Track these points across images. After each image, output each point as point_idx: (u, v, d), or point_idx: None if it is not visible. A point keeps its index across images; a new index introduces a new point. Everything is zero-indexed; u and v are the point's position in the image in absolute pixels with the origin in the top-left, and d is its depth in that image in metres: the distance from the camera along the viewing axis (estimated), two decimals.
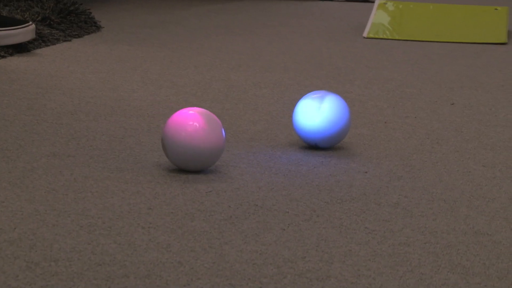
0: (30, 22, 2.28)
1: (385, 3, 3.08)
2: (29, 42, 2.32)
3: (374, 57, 2.56)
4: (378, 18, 3.03)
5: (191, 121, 1.45)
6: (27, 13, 2.48)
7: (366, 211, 1.33)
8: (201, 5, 3.39)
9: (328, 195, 1.39)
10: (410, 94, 2.05)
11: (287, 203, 1.35)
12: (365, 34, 2.92)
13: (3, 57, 2.21)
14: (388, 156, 1.62)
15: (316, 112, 1.60)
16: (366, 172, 1.52)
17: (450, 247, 1.19)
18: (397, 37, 2.89)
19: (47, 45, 2.39)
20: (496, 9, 3.01)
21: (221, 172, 1.48)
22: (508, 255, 1.17)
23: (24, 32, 2.25)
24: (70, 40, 2.48)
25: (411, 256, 1.16)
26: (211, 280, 1.04)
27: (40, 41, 2.38)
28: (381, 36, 2.91)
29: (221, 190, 1.39)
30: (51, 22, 2.52)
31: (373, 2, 3.29)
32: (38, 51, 2.33)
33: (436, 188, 1.45)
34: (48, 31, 2.46)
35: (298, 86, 2.14)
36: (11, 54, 2.25)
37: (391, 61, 2.51)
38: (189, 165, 1.45)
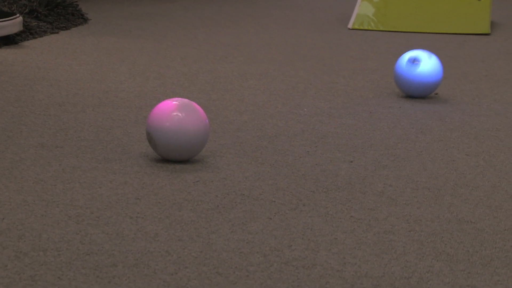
0: (18, 15, 2.27)
1: None
2: (17, 34, 2.30)
3: (359, 48, 2.56)
4: (363, 9, 3.03)
5: (174, 112, 1.45)
6: (15, 5, 2.47)
7: (351, 200, 1.33)
8: None
9: (314, 184, 1.39)
10: (395, 85, 2.05)
11: (273, 193, 1.35)
12: (350, 26, 2.92)
13: None
14: (373, 145, 1.62)
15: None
16: (351, 162, 1.52)
17: (434, 235, 1.20)
18: (381, 28, 2.89)
19: (35, 38, 2.38)
20: (479, 0, 3.01)
21: (208, 162, 1.48)
22: (491, 242, 1.18)
23: (12, 25, 2.24)
24: (57, 33, 2.47)
25: (396, 244, 1.16)
26: (198, 269, 1.04)
27: (27, 33, 2.37)
28: (366, 28, 2.90)
29: (208, 180, 1.39)
30: (38, 15, 2.50)
31: None
32: (26, 43, 2.32)
33: (421, 176, 1.45)
34: (36, 23, 2.44)
35: (283, 77, 2.14)
36: None
37: (376, 52, 2.51)
38: (175, 155, 1.45)
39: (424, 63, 1.90)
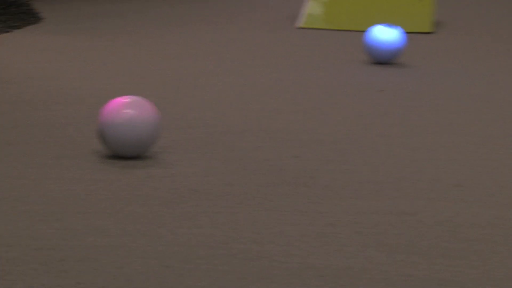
0: None
1: None
2: None
3: (306, 47, 2.57)
4: (311, 9, 3.04)
5: (125, 109, 1.44)
6: None
7: (297, 194, 1.34)
8: None
9: (261, 179, 1.40)
10: (341, 82, 2.07)
11: (221, 187, 1.35)
12: (298, 25, 2.93)
13: None
14: (320, 141, 1.63)
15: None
16: (297, 157, 1.53)
17: (376, 227, 1.21)
18: (328, 27, 2.91)
19: None
20: (421, 0, 3.05)
21: (159, 158, 1.48)
22: (430, 233, 1.19)
23: None
24: (10, 31, 2.45)
25: (339, 235, 1.17)
26: (146, 262, 1.04)
27: None
28: (314, 26, 2.92)
29: (158, 176, 1.39)
30: None
31: None
32: None
33: (364, 171, 1.46)
34: None
35: (233, 75, 2.15)
36: None
37: (323, 50, 2.52)
38: (125, 151, 1.45)
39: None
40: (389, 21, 2.93)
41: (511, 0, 3.69)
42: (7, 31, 2.46)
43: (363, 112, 1.85)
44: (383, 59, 2.23)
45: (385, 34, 2.22)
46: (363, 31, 2.85)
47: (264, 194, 1.33)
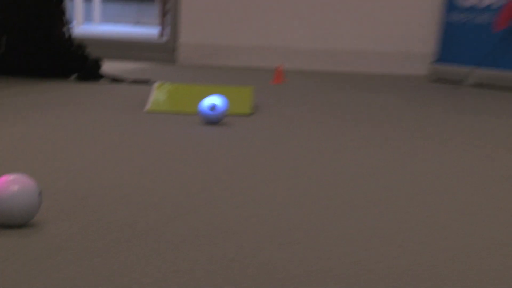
0: None
1: (161, 85, 3.16)
2: None
3: (152, 127, 2.58)
4: (157, 95, 3.08)
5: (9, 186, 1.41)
6: None
7: (148, 247, 1.33)
8: None
9: (117, 235, 1.38)
10: (174, 157, 2.08)
11: (83, 243, 1.32)
12: (146, 108, 2.95)
13: None
14: (168, 198, 1.63)
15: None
16: (147, 215, 1.52)
17: (213, 273, 1.21)
18: (172, 110, 2.95)
19: None
20: (242, 89, 3.16)
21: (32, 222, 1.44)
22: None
23: None
24: None
25: (185, 280, 1.17)
26: None
27: None
28: (159, 110, 2.95)
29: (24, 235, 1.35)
30: None
31: (153, 84, 3.34)
32: None
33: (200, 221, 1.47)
34: None
35: (93, 148, 2.12)
36: None
37: (167, 130, 2.54)
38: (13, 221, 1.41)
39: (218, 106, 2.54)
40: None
41: (315, 89, 3.83)
42: None
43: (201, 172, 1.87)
44: (213, 120, 2.57)
45: (212, 102, 2.60)
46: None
47: (118, 249, 1.31)
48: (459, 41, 4.55)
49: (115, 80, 3.78)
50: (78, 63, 3.83)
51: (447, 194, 1.78)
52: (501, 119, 3.01)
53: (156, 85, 3.16)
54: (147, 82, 3.74)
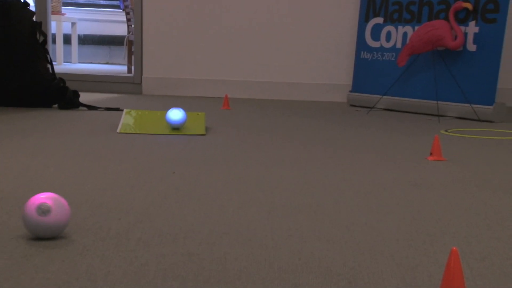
0: None
1: (129, 111, 3.15)
2: None
3: (124, 146, 2.56)
4: (126, 120, 3.06)
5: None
6: None
7: (119, 245, 1.31)
8: None
9: (94, 237, 1.36)
10: (141, 170, 2.06)
11: (67, 241, 1.30)
12: (118, 130, 2.93)
13: None
14: (133, 208, 1.61)
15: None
16: (119, 219, 1.50)
17: (172, 265, 1.20)
18: (138, 132, 2.93)
19: None
20: (198, 114, 3.16)
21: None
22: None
23: None
24: None
25: (146, 269, 1.16)
26: None
27: None
28: (128, 131, 2.92)
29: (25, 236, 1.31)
30: None
31: (122, 110, 3.32)
32: None
33: (167, 225, 1.46)
34: None
35: (60, 167, 2.09)
36: None
37: (135, 148, 2.52)
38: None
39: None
40: (178, 127, 2.99)
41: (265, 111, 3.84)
42: None
43: (159, 189, 1.85)
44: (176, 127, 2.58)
45: (175, 115, 2.79)
46: (160, 134, 2.89)
47: (96, 247, 1.29)
48: (370, 74, 4.64)
49: (91, 108, 3.74)
50: (59, 94, 3.77)
51: (363, 196, 1.80)
52: (405, 135, 3.08)
53: (125, 111, 3.14)
54: (117, 109, 3.71)
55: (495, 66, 3.89)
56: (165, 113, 3.10)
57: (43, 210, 1.28)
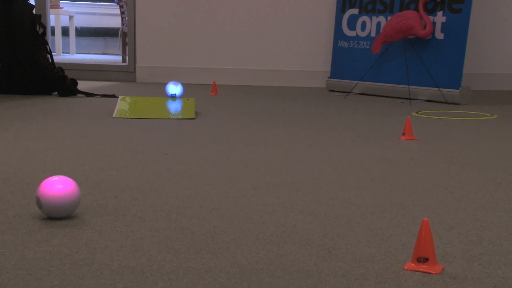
0: None
1: (124, 98, 3.13)
2: None
3: (119, 130, 2.54)
4: (121, 105, 3.03)
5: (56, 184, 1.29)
6: None
7: (116, 221, 1.31)
8: None
9: (93, 213, 1.35)
10: (136, 152, 2.05)
11: (67, 219, 1.28)
12: (114, 115, 2.90)
13: None
14: (129, 186, 1.60)
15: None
16: (116, 197, 1.49)
17: (166, 238, 1.20)
18: (133, 116, 2.90)
19: None
20: (188, 99, 3.14)
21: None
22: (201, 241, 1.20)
23: None
24: None
25: (144, 243, 1.15)
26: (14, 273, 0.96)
27: None
28: (124, 116, 2.90)
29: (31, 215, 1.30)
30: None
31: (118, 97, 3.29)
32: None
33: (159, 202, 1.46)
34: None
35: (55, 153, 2.07)
36: None
37: (130, 132, 2.50)
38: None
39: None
40: (167, 112, 2.97)
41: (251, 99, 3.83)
42: None
43: (151, 170, 1.84)
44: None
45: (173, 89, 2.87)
46: (154, 118, 2.87)
47: (95, 222, 1.28)
48: (347, 62, 4.63)
49: (88, 94, 3.71)
50: (58, 82, 3.73)
51: (341, 172, 1.80)
52: (379, 117, 3.08)
53: (120, 98, 3.11)
54: (113, 96, 3.68)
55: (461, 52, 3.89)
56: (157, 100, 3.08)
57: (37, 203, 1.27)
